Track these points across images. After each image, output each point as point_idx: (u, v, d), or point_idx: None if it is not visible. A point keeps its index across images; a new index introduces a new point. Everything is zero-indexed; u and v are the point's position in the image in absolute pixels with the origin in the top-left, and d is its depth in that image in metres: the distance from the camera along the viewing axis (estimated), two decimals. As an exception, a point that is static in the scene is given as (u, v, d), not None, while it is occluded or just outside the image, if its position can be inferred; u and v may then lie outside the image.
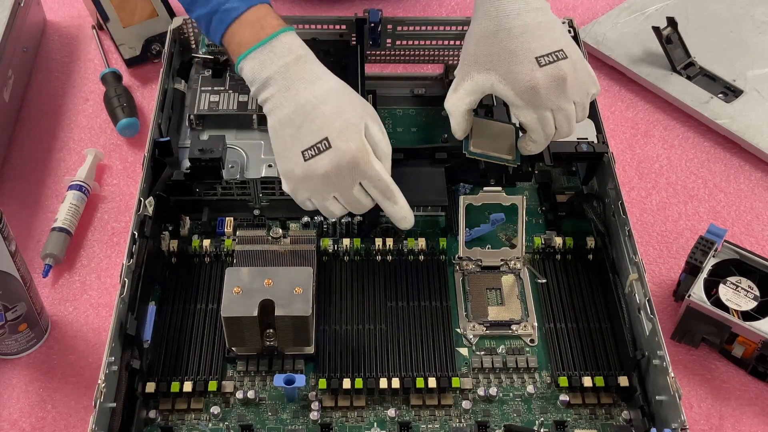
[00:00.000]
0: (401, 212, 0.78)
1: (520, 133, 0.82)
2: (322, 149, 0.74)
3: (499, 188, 0.88)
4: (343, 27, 0.99)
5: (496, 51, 0.77)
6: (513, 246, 0.88)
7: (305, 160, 0.75)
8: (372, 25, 0.98)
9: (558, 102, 0.77)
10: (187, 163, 0.87)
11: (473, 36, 0.79)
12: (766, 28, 1.15)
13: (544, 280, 0.86)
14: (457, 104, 0.80)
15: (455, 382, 0.78)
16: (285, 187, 0.79)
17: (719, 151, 1.04)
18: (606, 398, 0.79)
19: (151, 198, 0.84)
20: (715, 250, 0.85)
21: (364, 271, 0.86)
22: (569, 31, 0.99)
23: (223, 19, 0.78)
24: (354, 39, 1.00)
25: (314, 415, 0.77)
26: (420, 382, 0.78)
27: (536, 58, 0.76)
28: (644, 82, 1.09)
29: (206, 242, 0.87)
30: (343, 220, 0.89)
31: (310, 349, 0.80)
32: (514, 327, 0.83)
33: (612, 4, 1.19)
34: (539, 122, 0.77)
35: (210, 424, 0.76)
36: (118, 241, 0.93)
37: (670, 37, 1.08)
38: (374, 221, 0.90)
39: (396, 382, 0.78)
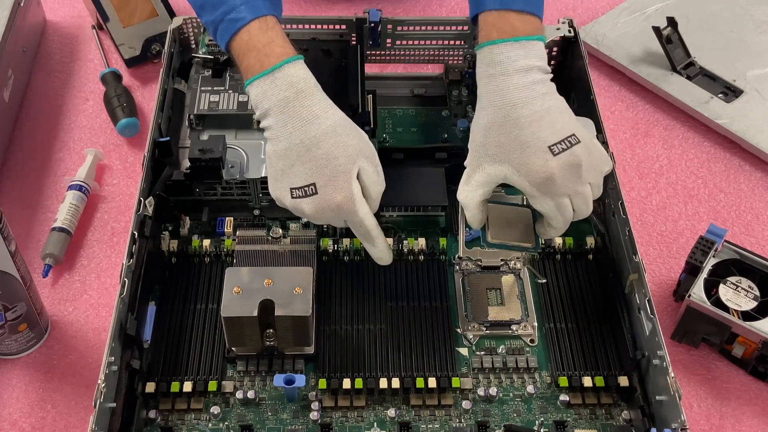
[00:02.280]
0: (378, 254, 0.80)
1: (537, 214, 0.80)
2: (309, 193, 0.75)
3: (500, 188, 0.88)
4: (343, 27, 0.99)
5: (507, 142, 0.74)
6: (513, 246, 0.88)
7: (292, 197, 0.76)
8: (372, 25, 0.98)
9: (575, 187, 0.75)
10: (187, 163, 0.87)
11: (481, 127, 0.76)
12: (766, 28, 1.15)
13: (544, 280, 0.86)
14: (471, 196, 0.78)
15: (455, 382, 0.78)
16: (271, 191, 0.80)
17: (719, 151, 1.04)
18: (606, 398, 0.79)
19: (151, 198, 0.84)
20: (715, 250, 0.85)
21: (364, 271, 0.86)
22: (569, 31, 0.99)
23: (227, 29, 0.78)
24: (354, 39, 1.00)
25: (314, 415, 0.77)
26: (420, 382, 0.78)
27: (549, 147, 0.73)
28: (644, 82, 1.09)
29: (206, 242, 0.87)
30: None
31: (310, 349, 0.80)
32: (514, 327, 0.83)
33: (612, 4, 1.19)
34: (557, 209, 0.76)
35: (210, 424, 0.76)
36: (118, 241, 0.93)
37: (670, 37, 1.08)
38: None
39: (396, 382, 0.78)
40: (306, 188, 0.75)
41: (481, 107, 0.77)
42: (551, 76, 0.77)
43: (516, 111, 0.74)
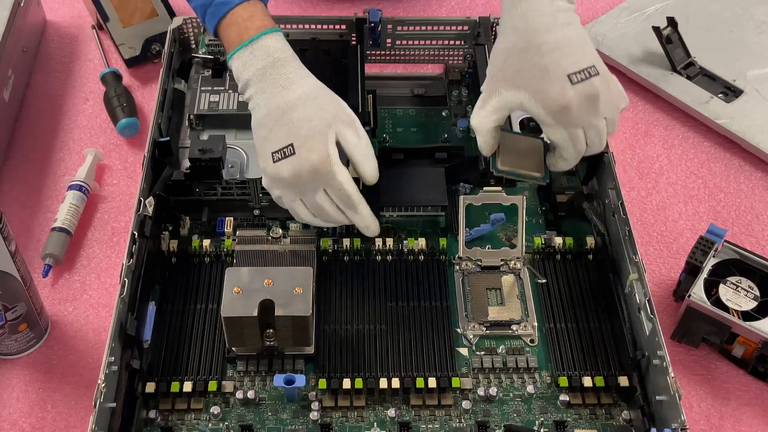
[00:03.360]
0: (363, 222, 0.79)
1: (549, 148, 0.80)
2: (287, 154, 0.76)
3: (499, 188, 0.88)
4: (343, 27, 0.99)
5: (526, 68, 0.74)
6: (513, 246, 0.88)
7: (273, 162, 0.77)
8: (372, 25, 0.99)
9: (590, 119, 0.75)
10: (187, 163, 0.87)
11: (501, 52, 0.77)
12: (766, 28, 1.15)
13: (544, 280, 0.86)
14: (484, 121, 0.78)
15: (455, 382, 0.78)
16: (263, 182, 0.81)
17: (719, 151, 1.04)
18: (606, 398, 0.79)
19: (151, 198, 0.84)
20: (715, 250, 0.85)
21: (364, 271, 0.86)
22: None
23: (215, 12, 0.80)
24: (354, 39, 1.00)
25: (314, 415, 0.77)
26: (420, 382, 0.78)
27: (568, 75, 0.73)
28: (644, 82, 1.09)
29: (206, 242, 0.87)
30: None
31: (310, 349, 0.80)
32: (514, 327, 0.83)
33: (612, 4, 1.19)
34: (570, 140, 0.75)
35: (210, 424, 0.76)
36: (118, 241, 0.93)
37: (670, 37, 1.08)
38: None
39: (396, 382, 0.78)
40: (284, 149, 0.76)
41: (503, 32, 0.77)
42: (575, 7, 0.77)
43: (539, 37, 0.74)
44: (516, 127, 0.88)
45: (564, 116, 0.74)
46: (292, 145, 0.76)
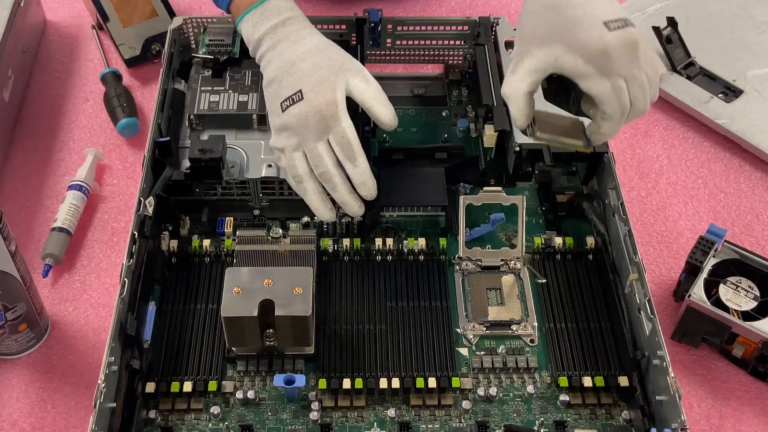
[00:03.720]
0: (361, 176, 0.79)
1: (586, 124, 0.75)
2: (296, 100, 0.79)
3: (499, 188, 0.88)
4: (343, 27, 0.99)
5: (558, 22, 0.70)
6: (513, 246, 0.88)
7: (282, 111, 0.79)
8: (372, 25, 0.98)
9: (632, 69, 0.69)
10: (187, 163, 0.87)
11: (529, 13, 0.73)
12: (766, 28, 1.15)
13: (544, 280, 0.86)
14: (518, 86, 0.71)
15: (455, 382, 0.78)
16: (270, 143, 0.83)
17: (719, 151, 1.04)
18: (606, 398, 0.79)
19: (151, 198, 0.84)
20: (715, 250, 0.85)
21: (364, 271, 0.86)
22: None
23: None
24: (354, 39, 1.00)
25: (314, 415, 0.77)
26: (420, 382, 0.78)
27: (605, 22, 0.69)
28: (644, 82, 1.09)
29: (206, 242, 0.87)
30: (343, 220, 0.89)
31: (310, 349, 0.80)
32: (514, 327, 0.83)
33: (612, 4, 1.19)
34: (613, 91, 0.69)
35: (210, 424, 0.76)
36: (118, 241, 0.93)
37: (670, 37, 1.08)
38: (374, 221, 0.90)
39: (396, 382, 0.78)
40: (293, 96, 0.79)
41: None
42: None
43: None
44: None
45: (604, 63, 0.68)
46: (300, 91, 0.79)
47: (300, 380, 0.75)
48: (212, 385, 0.78)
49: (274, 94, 0.81)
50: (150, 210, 0.84)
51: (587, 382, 0.78)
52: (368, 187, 0.79)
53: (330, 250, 0.87)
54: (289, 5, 0.83)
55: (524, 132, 0.74)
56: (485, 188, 0.88)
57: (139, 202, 0.82)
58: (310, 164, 0.79)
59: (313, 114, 0.78)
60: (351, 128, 0.78)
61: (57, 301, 0.88)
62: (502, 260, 0.87)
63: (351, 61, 0.81)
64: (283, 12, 0.83)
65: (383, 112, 0.80)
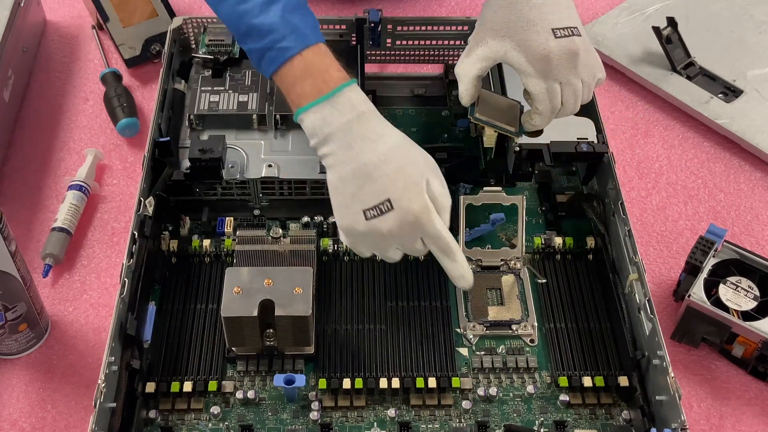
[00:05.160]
0: (459, 270, 0.76)
1: (524, 110, 0.83)
2: (384, 210, 0.73)
3: (499, 188, 0.88)
4: (343, 27, 0.99)
5: (514, 19, 0.77)
6: (513, 246, 0.88)
7: (367, 219, 0.74)
8: (372, 25, 0.98)
9: (568, 75, 0.77)
10: (187, 163, 0.87)
11: (492, 5, 0.79)
12: (766, 28, 1.15)
13: (544, 280, 0.86)
14: (468, 69, 0.80)
15: (455, 382, 0.78)
16: (343, 240, 0.77)
17: (719, 151, 1.04)
18: (606, 398, 0.79)
19: (151, 198, 0.84)
20: (715, 250, 0.85)
21: (364, 271, 0.86)
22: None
23: (277, 56, 0.75)
24: (354, 39, 1.00)
25: (314, 415, 0.77)
26: (420, 382, 0.78)
27: (553, 29, 0.77)
28: (644, 82, 1.09)
29: (206, 242, 0.87)
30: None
31: (310, 349, 0.80)
32: (514, 327, 0.83)
33: (612, 4, 1.19)
34: (547, 92, 0.78)
35: (210, 424, 0.76)
36: (118, 241, 0.93)
37: (670, 37, 1.08)
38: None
39: (396, 382, 0.78)
40: (380, 206, 0.73)
41: None
42: None
43: None
44: None
45: (544, 66, 0.77)
46: (389, 200, 0.73)
47: (300, 380, 0.75)
48: (212, 385, 0.78)
49: (350, 199, 0.74)
50: (150, 210, 0.84)
51: (587, 382, 0.78)
52: (467, 279, 0.77)
53: (330, 250, 0.87)
54: (361, 98, 0.75)
55: (467, 111, 0.84)
56: (485, 188, 0.88)
57: (139, 202, 0.82)
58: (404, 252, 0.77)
59: (408, 223, 0.73)
60: (445, 229, 0.75)
61: (57, 301, 0.88)
62: (502, 260, 0.87)
63: (429, 158, 0.77)
64: (357, 106, 0.74)
65: (447, 218, 0.76)
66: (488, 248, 0.88)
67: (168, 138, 0.88)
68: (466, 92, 0.81)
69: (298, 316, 0.75)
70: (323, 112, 0.74)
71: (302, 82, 0.75)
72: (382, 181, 0.73)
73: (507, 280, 0.86)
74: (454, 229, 0.88)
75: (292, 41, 0.75)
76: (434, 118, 1.01)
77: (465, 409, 0.78)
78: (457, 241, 0.87)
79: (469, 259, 0.87)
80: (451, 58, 1.03)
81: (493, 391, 0.78)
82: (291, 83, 0.76)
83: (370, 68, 1.03)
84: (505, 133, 0.84)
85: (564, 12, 0.78)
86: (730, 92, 1.07)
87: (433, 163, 0.77)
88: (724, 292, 0.83)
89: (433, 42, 1.02)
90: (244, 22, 0.75)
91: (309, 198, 0.90)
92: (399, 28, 1.00)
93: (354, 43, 1.00)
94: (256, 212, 0.91)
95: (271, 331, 0.78)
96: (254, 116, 0.92)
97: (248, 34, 0.76)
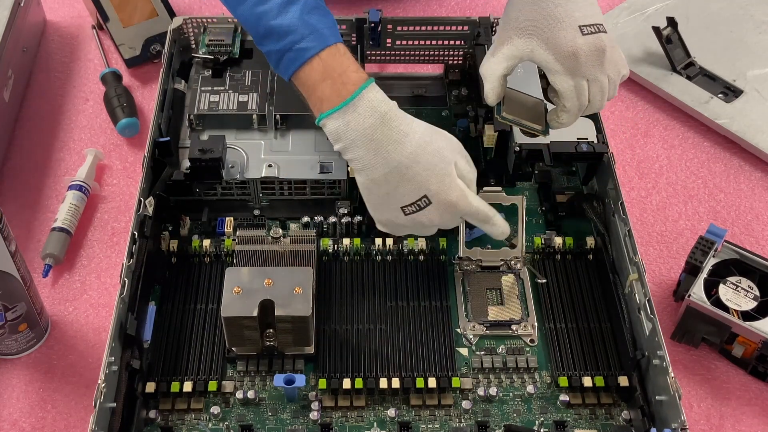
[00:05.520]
0: (499, 230, 0.80)
1: (549, 108, 0.82)
2: (423, 205, 0.76)
3: (499, 188, 0.88)
4: (343, 27, 0.99)
5: (540, 17, 0.77)
6: (513, 246, 0.88)
7: (406, 215, 0.77)
8: (372, 25, 0.98)
9: (595, 72, 0.77)
10: (187, 163, 0.87)
11: (516, 3, 0.79)
12: (766, 28, 1.15)
13: (544, 280, 0.86)
14: (494, 68, 0.79)
15: (455, 382, 0.78)
16: (381, 228, 0.81)
17: (719, 151, 1.04)
18: (606, 398, 0.79)
19: (151, 198, 0.84)
20: (715, 250, 0.85)
21: (364, 271, 0.86)
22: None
23: (296, 57, 0.75)
24: (354, 39, 1.00)
25: (314, 415, 0.77)
26: (420, 382, 0.78)
27: (579, 26, 0.76)
28: (644, 82, 1.09)
29: (206, 242, 0.87)
30: (343, 221, 0.89)
31: (310, 349, 0.80)
32: (514, 327, 0.83)
33: (612, 4, 1.19)
34: (575, 90, 0.78)
35: (210, 424, 0.76)
36: (118, 241, 0.93)
37: (670, 37, 1.08)
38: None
39: (396, 382, 0.78)
40: (418, 202, 0.76)
41: None
42: None
43: None
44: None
45: (572, 64, 0.76)
46: (425, 196, 0.76)
47: (300, 380, 0.75)
48: (212, 385, 0.78)
49: (385, 198, 0.76)
50: (150, 210, 0.84)
51: (587, 382, 0.78)
52: (505, 233, 0.81)
53: (330, 250, 0.87)
54: (381, 97, 0.75)
55: (493, 110, 0.83)
56: (485, 188, 0.88)
57: (139, 202, 0.82)
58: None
59: (448, 212, 0.77)
60: (482, 203, 0.78)
61: (57, 301, 0.88)
62: (502, 260, 0.87)
63: (453, 141, 0.79)
64: (378, 107, 0.74)
65: (475, 188, 0.80)
66: (488, 248, 0.88)
67: (168, 138, 0.88)
68: (492, 91, 0.80)
69: (298, 316, 0.75)
70: (345, 117, 0.74)
71: (322, 84, 0.74)
72: (417, 180, 0.75)
73: (507, 280, 0.86)
74: (454, 229, 0.89)
75: (311, 42, 0.74)
76: (434, 118, 1.01)
77: (465, 409, 0.78)
78: (458, 241, 0.87)
79: (468, 259, 0.87)
80: (451, 58, 1.03)
81: (493, 391, 0.78)
82: (311, 86, 0.75)
83: (370, 68, 1.03)
84: (532, 132, 0.83)
85: (589, 9, 0.78)
86: (730, 92, 1.07)
87: (456, 143, 0.79)
88: (724, 292, 0.83)
89: (433, 42, 1.02)
90: (263, 24, 0.75)
91: (309, 198, 0.91)
92: (399, 28, 1.00)
93: (354, 43, 1.00)
94: (256, 212, 0.91)
95: (271, 331, 0.78)
96: (254, 116, 0.92)
97: (267, 35, 0.75)
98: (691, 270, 0.85)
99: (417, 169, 0.75)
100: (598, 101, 0.79)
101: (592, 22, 0.77)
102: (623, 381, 0.78)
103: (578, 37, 0.76)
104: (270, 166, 0.89)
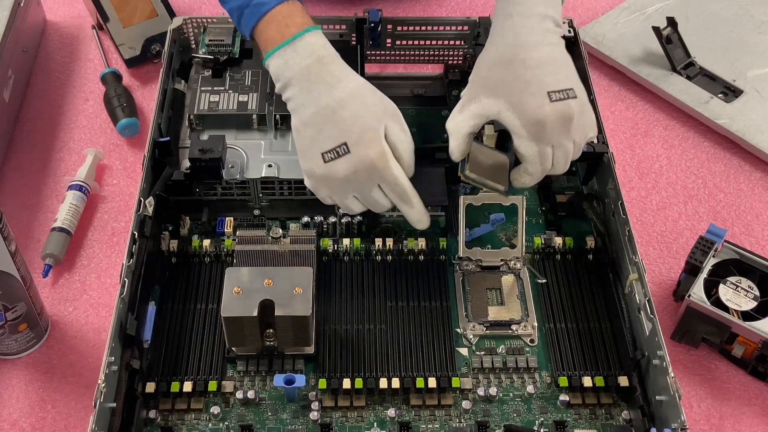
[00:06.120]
0: (416, 215, 0.80)
1: (513, 165, 0.81)
2: (341, 153, 0.76)
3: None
4: (343, 27, 0.99)
5: (510, 79, 0.76)
6: (513, 246, 0.88)
7: (325, 162, 0.76)
8: (372, 25, 0.99)
9: (560, 139, 0.76)
10: (187, 163, 0.87)
11: (487, 61, 0.78)
12: (766, 28, 1.15)
13: (544, 280, 0.86)
14: (461, 125, 0.79)
15: (455, 382, 0.78)
16: (306, 183, 0.80)
17: (719, 151, 1.04)
18: (606, 398, 0.79)
19: (151, 198, 0.84)
20: (715, 250, 0.85)
21: (364, 271, 0.86)
22: (569, 31, 0.99)
23: (253, 13, 0.78)
24: (354, 39, 1.00)
25: (314, 415, 0.77)
26: (420, 382, 0.78)
27: (548, 92, 0.75)
28: (644, 82, 1.09)
29: (206, 242, 0.87)
30: (343, 221, 0.89)
31: (310, 349, 0.80)
32: (514, 327, 0.83)
33: (612, 4, 1.19)
34: (539, 156, 0.77)
35: (210, 424, 0.76)
36: (118, 241, 0.93)
37: (670, 37, 1.08)
38: (374, 221, 0.90)
39: (396, 382, 0.78)
40: (337, 149, 0.76)
41: (492, 43, 0.78)
42: (563, 32, 0.79)
43: (526, 52, 0.76)
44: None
45: (537, 131, 0.75)
46: (345, 144, 0.76)
47: (300, 380, 0.75)
48: (212, 385, 0.78)
49: (310, 142, 0.77)
50: (150, 210, 0.84)
51: (587, 382, 0.78)
52: (424, 222, 0.81)
53: (330, 250, 0.87)
54: (322, 42, 0.78)
55: (456, 165, 0.81)
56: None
57: (139, 202, 0.82)
58: (363, 203, 0.80)
59: (365, 168, 0.76)
60: (402, 175, 0.78)
61: (57, 301, 0.88)
62: (502, 260, 0.87)
63: (389, 104, 0.79)
64: (316, 50, 0.77)
65: (409, 165, 0.79)
66: (488, 248, 0.88)
67: (168, 138, 0.88)
68: (457, 149, 0.79)
69: (298, 316, 0.75)
70: (285, 56, 0.77)
71: (268, 28, 0.78)
72: (340, 125, 0.76)
73: (507, 280, 0.86)
74: (454, 229, 0.89)
75: None
76: (434, 118, 1.01)
77: (465, 409, 0.78)
78: (458, 241, 0.87)
79: (469, 259, 0.87)
80: (451, 58, 1.03)
81: (493, 391, 0.78)
82: (261, 32, 0.79)
83: (370, 68, 1.03)
84: (495, 193, 0.82)
85: (561, 72, 0.77)
86: (730, 92, 1.07)
87: (394, 108, 0.79)
88: (724, 292, 0.83)
89: (433, 42, 1.02)
90: None
91: (309, 198, 0.90)
92: (399, 28, 1.00)
93: (354, 43, 1.00)
94: (256, 212, 0.91)
95: (271, 331, 0.78)
96: (254, 116, 0.92)
97: None
98: (691, 270, 0.85)
99: (343, 114, 0.76)
100: (561, 165, 0.78)
101: (562, 88, 0.76)
102: (623, 381, 0.78)
103: (546, 104, 0.75)
104: (270, 166, 0.89)
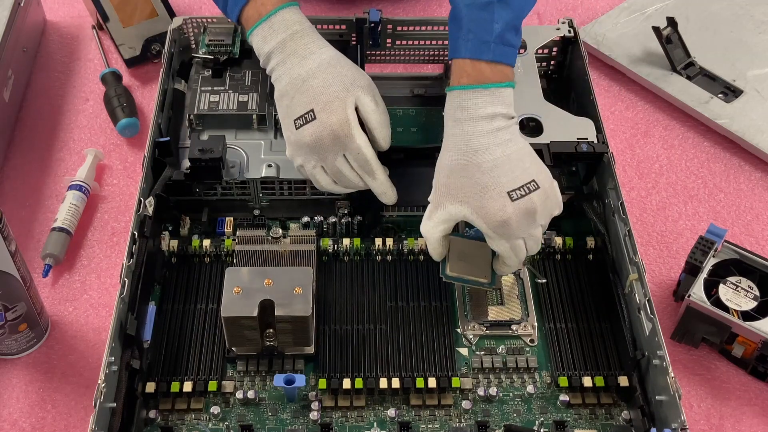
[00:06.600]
0: (381, 187, 0.82)
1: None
2: (308, 119, 0.79)
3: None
4: (343, 27, 0.99)
5: (468, 185, 0.76)
6: (513, 246, 0.88)
7: (296, 129, 0.80)
8: (372, 25, 0.98)
9: (529, 231, 0.77)
10: (187, 163, 0.87)
11: (444, 168, 0.78)
12: (766, 28, 1.15)
13: (544, 280, 0.86)
14: (432, 231, 0.79)
15: (455, 382, 0.78)
16: (287, 152, 0.83)
17: (719, 151, 1.04)
18: (606, 398, 0.79)
19: (151, 198, 0.84)
20: (715, 250, 0.85)
21: (364, 271, 0.86)
22: (569, 31, 0.99)
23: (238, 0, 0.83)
24: (354, 39, 1.00)
25: (314, 415, 0.77)
26: (420, 382, 0.78)
27: (508, 192, 0.75)
28: (644, 82, 1.09)
29: (206, 242, 0.88)
30: (343, 221, 0.89)
31: (310, 349, 0.80)
32: (514, 327, 0.83)
33: (612, 4, 1.19)
34: (512, 250, 0.77)
35: (210, 424, 0.77)
36: (118, 241, 0.93)
37: (670, 37, 1.08)
38: (374, 221, 0.90)
39: (396, 382, 0.78)
40: (305, 116, 0.79)
41: (446, 148, 0.78)
42: (516, 121, 0.78)
43: (478, 156, 0.76)
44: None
45: (504, 230, 0.76)
46: (312, 110, 0.79)
47: (300, 380, 0.75)
48: (212, 385, 0.78)
49: (286, 111, 0.81)
50: (150, 210, 0.84)
51: (587, 382, 0.78)
52: (389, 196, 0.83)
53: (330, 250, 0.87)
54: (296, 18, 0.83)
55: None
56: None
57: (139, 202, 0.82)
58: (330, 176, 0.82)
59: (327, 134, 0.79)
60: (366, 144, 0.80)
61: (57, 301, 0.88)
62: (502, 260, 0.87)
63: (362, 77, 0.82)
64: (291, 26, 0.82)
65: (383, 135, 0.82)
66: (488, 248, 0.88)
67: (168, 138, 0.88)
68: (434, 251, 0.81)
69: (298, 316, 0.75)
70: (263, 32, 0.82)
71: (248, 9, 0.82)
72: (309, 94, 0.80)
73: (507, 280, 0.86)
74: (453, 228, 0.88)
75: None
76: (434, 118, 1.01)
77: (465, 409, 0.78)
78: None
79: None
80: (451, 58, 1.03)
81: (493, 391, 0.78)
82: (244, 15, 0.83)
83: (370, 68, 1.03)
84: (478, 286, 0.82)
85: (517, 168, 0.76)
86: (730, 92, 1.07)
87: (367, 81, 0.82)
88: (724, 292, 0.83)
89: (433, 42, 1.02)
90: None
91: (309, 198, 0.91)
92: (399, 28, 1.00)
93: (354, 43, 1.00)
94: (256, 212, 0.91)
95: (271, 331, 0.78)
96: (254, 116, 0.92)
97: None
98: (691, 270, 0.85)
99: (312, 83, 0.80)
100: (534, 249, 0.79)
101: (521, 184, 0.75)
102: (623, 381, 0.78)
103: (508, 205, 0.75)
104: (270, 166, 0.89)
